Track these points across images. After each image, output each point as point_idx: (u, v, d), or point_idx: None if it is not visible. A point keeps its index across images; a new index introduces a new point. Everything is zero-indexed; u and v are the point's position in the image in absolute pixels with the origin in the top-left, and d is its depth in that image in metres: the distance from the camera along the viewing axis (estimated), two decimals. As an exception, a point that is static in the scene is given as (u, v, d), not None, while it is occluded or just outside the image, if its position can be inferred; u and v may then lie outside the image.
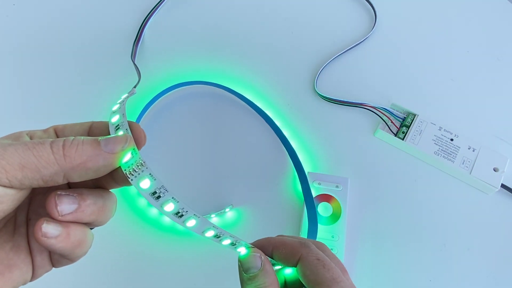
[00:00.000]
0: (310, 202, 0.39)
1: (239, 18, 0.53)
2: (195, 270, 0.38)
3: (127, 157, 0.19)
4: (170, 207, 0.20)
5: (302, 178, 0.41)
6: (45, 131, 0.21)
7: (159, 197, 0.19)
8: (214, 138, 0.44)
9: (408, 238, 0.40)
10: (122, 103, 0.23)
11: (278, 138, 0.44)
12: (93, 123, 0.22)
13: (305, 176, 0.41)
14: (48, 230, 0.18)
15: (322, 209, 0.40)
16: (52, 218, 0.19)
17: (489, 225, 0.41)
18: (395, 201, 0.42)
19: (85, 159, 0.18)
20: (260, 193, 0.42)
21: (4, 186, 0.17)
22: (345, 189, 0.41)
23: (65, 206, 0.19)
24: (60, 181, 0.18)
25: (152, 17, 0.52)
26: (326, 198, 0.40)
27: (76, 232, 0.19)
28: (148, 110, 0.45)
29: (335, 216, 0.40)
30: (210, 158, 0.43)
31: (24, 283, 0.20)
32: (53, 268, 0.22)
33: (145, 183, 0.19)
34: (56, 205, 0.19)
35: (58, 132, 0.22)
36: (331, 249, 0.38)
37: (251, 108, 0.46)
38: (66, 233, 0.19)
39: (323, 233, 0.39)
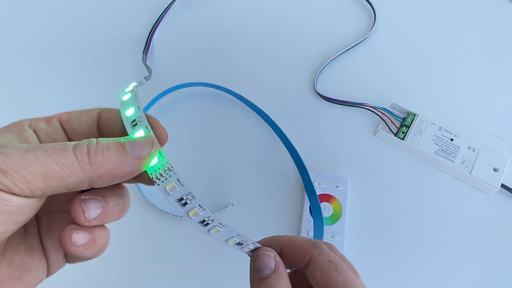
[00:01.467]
0: (314, 200, 0.39)
1: (239, 19, 0.53)
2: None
3: (154, 161, 0.19)
4: (196, 214, 0.19)
5: (305, 177, 0.41)
6: (48, 121, 0.20)
7: (185, 203, 0.19)
8: (214, 138, 0.44)
9: (408, 238, 0.40)
10: (133, 92, 0.21)
11: (278, 138, 0.44)
12: (101, 111, 0.21)
13: (307, 175, 0.41)
14: (78, 239, 0.18)
15: (322, 209, 0.40)
16: (78, 224, 0.18)
17: (489, 225, 0.41)
18: (395, 201, 0.42)
19: (112, 167, 0.17)
20: (260, 192, 0.42)
21: (26, 197, 0.16)
22: (345, 189, 0.41)
23: (91, 211, 0.18)
24: (85, 187, 0.17)
25: (160, 23, 0.51)
26: (326, 198, 0.40)
27: (101, 236, 0.19)
28: (148, 110, 0.45)
29: (335, 216, 0.40)
30: (211, 157, 0.43)
31: (40, 283, 0.20)
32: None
33: (172, 189, 0.18)
34: (83, 212, 0.18)
35: (63, 123, 0.20)
36: (331, 249, 0.38)
37: (251, 108, 0.46)
38: (92, 239, 0.18)
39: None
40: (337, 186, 0.41)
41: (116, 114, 0.20)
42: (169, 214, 0.39)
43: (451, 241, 0.40)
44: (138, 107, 0.20)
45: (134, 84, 0.23)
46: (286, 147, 0.43)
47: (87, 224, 0.18)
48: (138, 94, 0.21)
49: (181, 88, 0.47)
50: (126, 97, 0.21)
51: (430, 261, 0.39)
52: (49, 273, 0.20)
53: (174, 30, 0.52)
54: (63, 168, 0.16)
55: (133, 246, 0.39)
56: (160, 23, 0.51)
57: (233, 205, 0.41)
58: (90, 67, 0.48)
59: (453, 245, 0.40)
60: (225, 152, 0.44)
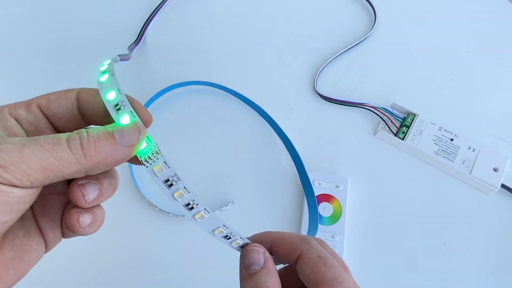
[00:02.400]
0: (312, 202, 0.39)
1: (239, 19, 0.53)
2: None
3: (143, 145, 0.20)
4: (181, 196, 0.20)
5: (303, 177, 0.41)
6: (28, 108, 0.21)
7: (171, 185, 0.20)
8: (215, 136, 0.45)
9: (408, 238, 0.40)
10: (110, 72, 0.21)
11: (278, 137, 0.44)
12: (79, 92, 0.21)
13: (305, 175, 0.41)
14: (84, 221, 0.20)
15: (322, 209, 0.40)
16: (79, 207, 0.20)
17: (489, 225, 0.41)
18: (395, 201, 0.42)
19: (104, 156, 0.18)
20: (261, 191, 0.42)
21: (26, 188, 0.17)
22: (345, 189, 0.41)
23: (90, 194, 0.20)
24: (81, 176, 0.19)
25: (154, 18, 0.51)
26: (326, 198, 0.40)
27: (100, 214, 0.21)
28: (148, 108, 0.45)
29: (335, 216, 0.40)
30: (211, 156, 0.43)
31: (40, 259, 0.21)
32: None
33: (159, 170, 0.19)
34: (83, 195, 0.19)
35: (43, 109, 0.21)
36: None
37: (251, 108, 0.46)
38: (94, 218, 0.20)
39: (323, 233, 0.39)
40: (337, 186, 0.41)
41: (96, 97, 0.21)
42: (170, 214, 0.39)
43: (451, 241, 0.40)
44: (118, 89, 0.20)
45: (108, 61, 0.23)
46: (286, 147, 0.43)
47: (87, 206, 0.20)
48: (116, 74, 0.21)
49: (182, 86, 0.47)
50: (103, 77, 0.21)
51: (430, 261, 0.39)
52: (47, 249, 0.22)
53: (171, 28, 0.52)
54: (60, 161, 0.17)
55: (134, 247, 0.39)
56: (156, 18, 0.51)
57: (233, 203, 0.41)
58: (89, 66, 0.48)
59: (453, 245, 0.40)
60: (226, 151, 0.44)
